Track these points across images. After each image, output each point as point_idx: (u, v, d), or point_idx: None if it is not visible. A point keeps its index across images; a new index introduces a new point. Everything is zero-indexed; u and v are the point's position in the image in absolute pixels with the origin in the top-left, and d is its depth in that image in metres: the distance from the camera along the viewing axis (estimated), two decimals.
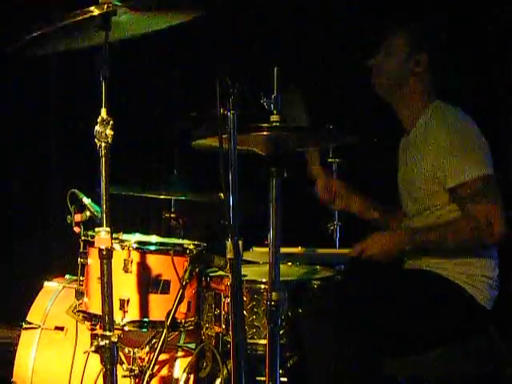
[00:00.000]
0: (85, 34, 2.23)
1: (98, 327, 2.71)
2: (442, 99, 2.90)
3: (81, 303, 2.84)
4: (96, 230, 2.11)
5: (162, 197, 3.36)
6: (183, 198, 3.37)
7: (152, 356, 2.69)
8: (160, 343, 2.67)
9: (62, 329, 3.05)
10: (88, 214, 2.90)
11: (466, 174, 2.68)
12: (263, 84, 2.27)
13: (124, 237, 2.81)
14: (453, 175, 2.70)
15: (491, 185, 2.70)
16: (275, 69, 2.28)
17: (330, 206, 3.23)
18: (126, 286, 2.72)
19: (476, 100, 3.75)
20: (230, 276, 2.14)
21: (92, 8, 2.09)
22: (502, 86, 3.89)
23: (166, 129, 4.18)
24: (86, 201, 2.93)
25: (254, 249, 3.08)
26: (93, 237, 2.54)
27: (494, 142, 2.81)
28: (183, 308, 2.76)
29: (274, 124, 2.25)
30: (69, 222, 2.93)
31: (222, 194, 2.10)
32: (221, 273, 2.83)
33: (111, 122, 2.09)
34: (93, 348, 2.10)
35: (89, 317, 2.78)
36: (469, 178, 2.67)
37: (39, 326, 3.08)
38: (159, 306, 2.74)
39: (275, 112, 2.26)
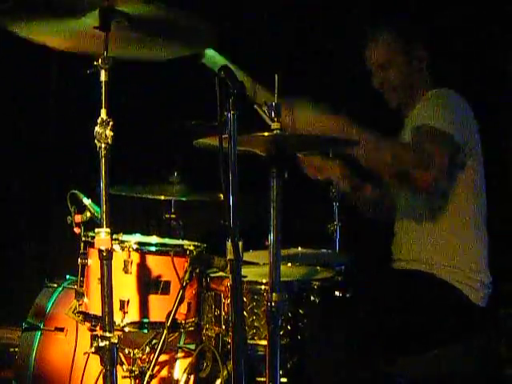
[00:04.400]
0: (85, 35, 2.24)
1: (98, 328, 2.70)
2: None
3: (81, 304, 2.83)
4: (96, 230, 2.12)
5: (162, 197, 3.35)
6: (183, 199, 3.36)
7: (152, 357, 2.69)
8: (160, 344, 2.67)
9: (62, 330, 3.05)
10: (88, 214, 2.90)
11: (437, 123, 2.65)
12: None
13: (124, 237, 2.80)
14: (424, 119, 2.69)
15: (452, 146, 2.65)
16: (276, 75, 2.27)
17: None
18: (126, 286, 2.72)
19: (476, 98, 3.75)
20: (230, 277, 2.14)
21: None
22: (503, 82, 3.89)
23: (167, 129, 4.18)
24: (87, 201, 2.93)
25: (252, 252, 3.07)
26: (93, 237, 2.54)
27: (494, 141, 2.81)
28: (183, 309, 2.76)
29: (275, 130, 2.26)
30: (69, 222, 2.93)
31: (221, 195, 2.10)
32: (221, 273, 2.83)
33: (111, 123, 2.09)
34: (93, 349, 2.11)
35: (89, 318, 2.78)
36: (437, 126, 2.64)
37: (39, 327, 3.08)
38: (159, 307, 2.74)
39: (276, 119, 2.26)
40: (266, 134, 2.25)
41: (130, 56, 2.38)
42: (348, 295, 2.75)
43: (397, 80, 2.90)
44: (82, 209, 2.92)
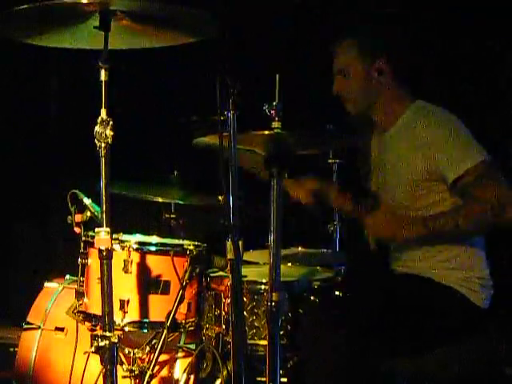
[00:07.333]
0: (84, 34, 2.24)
1: (98, 328, 2.70)
2: (425, 99, 2.88)
3: (81, 304, 2.83)
4: (96, 230, 2.11)
5: (161, 200, 3.35)
6: (181, 202, 3.36)
7: (152, 356, 2.69)
8: (160, 344, 2.67)
9: (62, 329, 3.05)
10: (88, 214, 2.90)
11: (467, 163, 2.64)
12: (265, 91, 2.27)
13: (124, 237, 2.80)
14: (453, 167, 2.66)
15: (493, 168, 2.67)
16: (277, 76, 2.27)
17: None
18: (126, 286, 2.72)
19: (475, 99, 3.75)
20: (230, 276, 2.14)
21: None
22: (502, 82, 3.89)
23: (167, 129, 4.18)
24: (87, 201, 2.92)
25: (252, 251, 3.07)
26: (93, 237, 2.53)
27: (494, 141, 2.80)
28: (183, 309, 2.76)
29: (276, 130, 2.26)
30: (69, 222, 2.93)
31: (221, 197, 2.10)
32: (221, 273, 2.83)
33: (111, 123, 2.09)
34: (93, 349, 2.10)
35: (89, 317, 2.78)
36: (471, 165, 2.63)
37: (39, 327, 3.08)
38: (159, 307, 2.74)
39: (276, 119, 2.26)
40: (266, 132, 2.26)
41: (130, 47, 2.36)
42: (348, 295, 2.75)
43: (354, 89, 2.85)
44: (82, 208, 2.91)
